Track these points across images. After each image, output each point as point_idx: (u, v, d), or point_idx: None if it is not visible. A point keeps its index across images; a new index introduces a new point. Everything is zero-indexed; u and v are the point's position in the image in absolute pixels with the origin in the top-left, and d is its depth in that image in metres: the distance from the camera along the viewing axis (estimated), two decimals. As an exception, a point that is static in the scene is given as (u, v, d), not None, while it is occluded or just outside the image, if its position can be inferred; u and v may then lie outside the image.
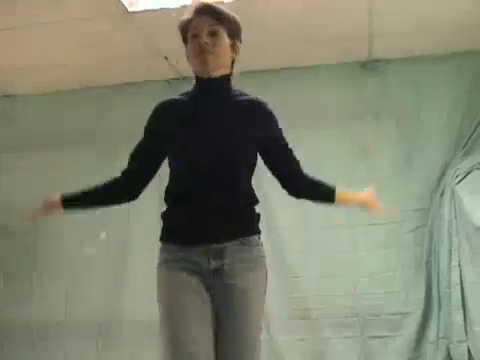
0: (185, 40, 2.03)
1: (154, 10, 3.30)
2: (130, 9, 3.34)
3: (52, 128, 4.44)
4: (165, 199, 2.02)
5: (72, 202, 2.06)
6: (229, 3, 3.19)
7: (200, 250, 1.92)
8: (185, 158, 1.97)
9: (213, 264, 1.92)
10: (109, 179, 2.05)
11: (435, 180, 4.02)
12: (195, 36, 1.97)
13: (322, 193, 2.13)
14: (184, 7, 2.91)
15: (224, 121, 1.98)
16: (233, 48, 2.02)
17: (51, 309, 4.28)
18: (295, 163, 2.11)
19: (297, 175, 2.11)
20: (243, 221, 1.99)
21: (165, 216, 2.02)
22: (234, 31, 2.02)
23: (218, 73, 1.99)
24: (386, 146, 4.14)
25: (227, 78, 2.03)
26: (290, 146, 2.11)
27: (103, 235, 4.34)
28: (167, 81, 4.21)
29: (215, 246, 1.92)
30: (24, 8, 3.17)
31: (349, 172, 4.06)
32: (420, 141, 4.09)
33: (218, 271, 1.93)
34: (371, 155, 4.12)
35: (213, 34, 1.96)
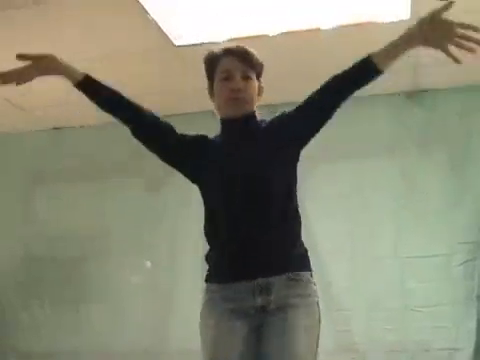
0: (210, 76, 2.04)
1: (200, 44, 3.37)
2: (176, 43, 3.43)
3: (100, 159, 4.54)
4: (207, 241, 1.97)
5: (92, 85, 2.01)
6: (274, 36, 3.24)
7: (244, 286, 1.83)
8: (216, 190, 1.93)
9: (259, 301, 1.83)
10: (132, 106, 2.14)
11: (486, 212, 3.92)
12: (227, 79, 1.97)
13: (360, 71, 1.92)
14: (230, 41, 2.99)
15: (251, 151, 1.95)
16: (259, 89, 2.03)
17: (98, 338, 4.31)
18: (328, 85, 1.91)
19: (339, 83, 1.91)
20: (290, 255, 1.88)
21: (207, 257, 1.97)
22: (260, 73, 2.03)
23: (245, 113, 1.99)
24: (434, 177, 4.07)
25: (253, 114, 2.02)
26: (310, 95, 1.94)
27: (148, 264, 4.38)
28: (212, 112, 4.27)
29: (260, 281, 1.83)
30: (72, 45, 3.28)
31: (396, 204, 4.01)
32: (470, 173, 4.01)
33: (264, 308, 1.83)
34: (419, 186, 4.05)
35: (245, 79, 1.96)
